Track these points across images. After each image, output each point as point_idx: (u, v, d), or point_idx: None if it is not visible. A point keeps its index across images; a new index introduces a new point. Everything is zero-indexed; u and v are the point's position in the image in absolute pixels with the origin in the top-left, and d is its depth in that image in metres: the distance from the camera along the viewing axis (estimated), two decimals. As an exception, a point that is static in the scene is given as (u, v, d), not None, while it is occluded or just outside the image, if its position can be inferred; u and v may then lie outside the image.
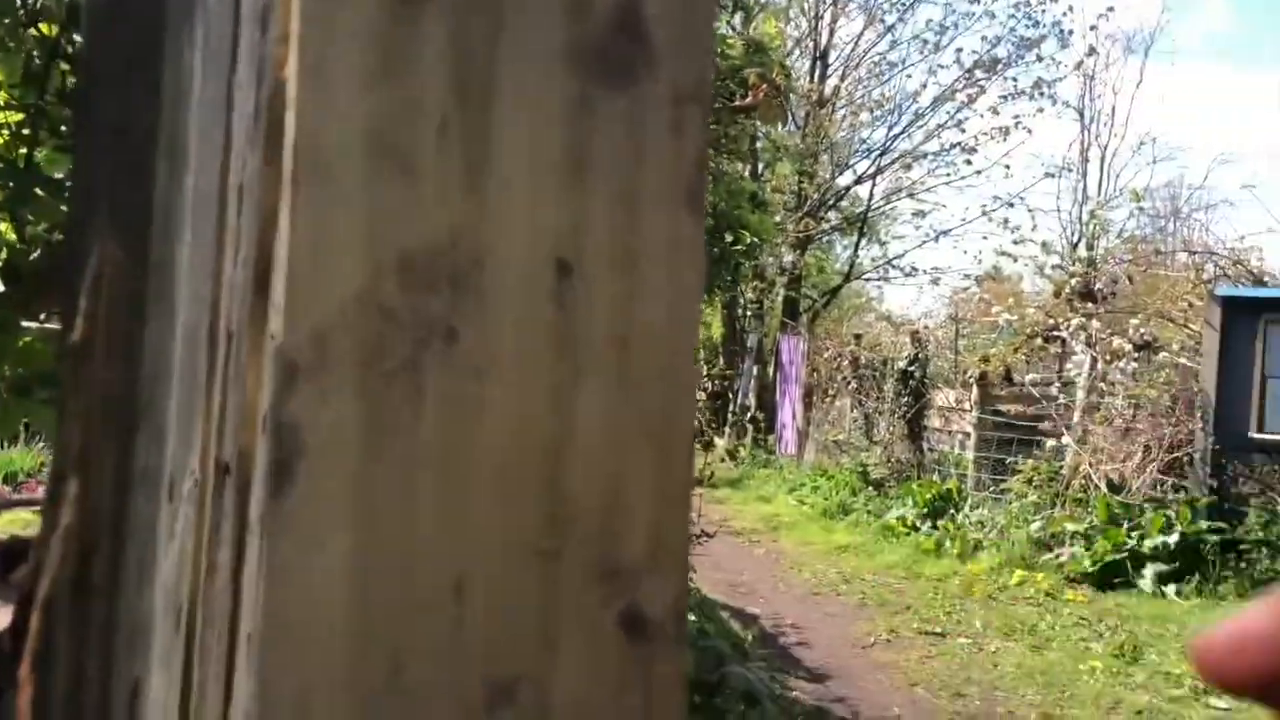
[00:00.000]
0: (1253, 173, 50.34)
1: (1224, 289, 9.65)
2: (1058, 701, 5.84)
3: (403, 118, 0.45)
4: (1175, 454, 9.42)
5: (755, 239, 4.06)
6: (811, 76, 19.93)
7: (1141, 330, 10.73)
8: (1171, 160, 49.95)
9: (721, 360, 21.71)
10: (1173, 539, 8.51)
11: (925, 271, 21.24)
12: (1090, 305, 10.65)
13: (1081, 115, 27.64)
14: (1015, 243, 12.43)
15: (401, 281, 0.43)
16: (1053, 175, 22.60)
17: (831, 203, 20.93)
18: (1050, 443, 10.82)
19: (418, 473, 0.43)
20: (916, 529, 10.53)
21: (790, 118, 18.99)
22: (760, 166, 20.31)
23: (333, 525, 0.41)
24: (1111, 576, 8.51)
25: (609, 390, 0.46)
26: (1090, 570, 8.57)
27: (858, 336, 15.22)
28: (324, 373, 0.41)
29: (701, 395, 22.98)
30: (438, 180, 0.45)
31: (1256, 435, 9.05)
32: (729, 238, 4.13)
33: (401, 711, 0.41)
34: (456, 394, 0.44)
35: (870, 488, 12.31)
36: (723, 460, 18.20)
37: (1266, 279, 10.61)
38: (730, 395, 20.52)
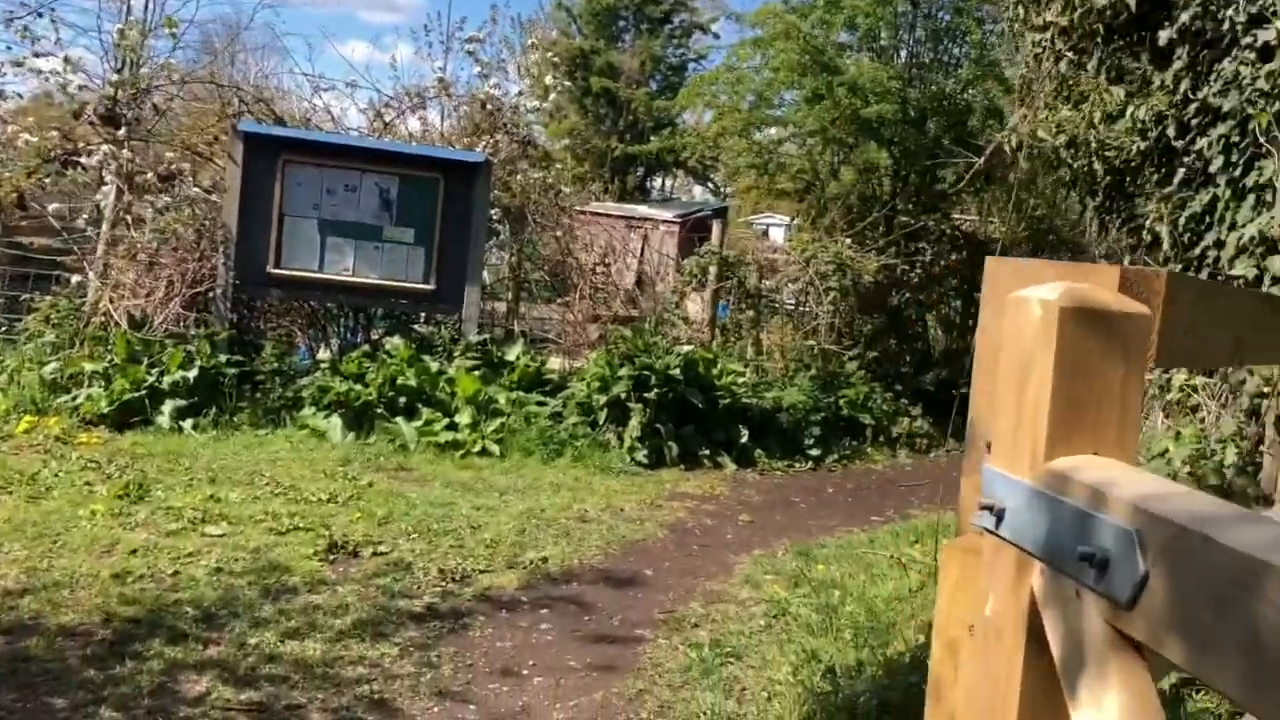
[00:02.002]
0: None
1: (247, 124, 9.73)
2: (48, 552, 5.40)
3: None
4: (199, 289, 9.41)
5: None
6: None
7: (171, 163, 10.42)
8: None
9: None
10: (193, 374, 8.53)
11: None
12: (114, 131, 9.94)
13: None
14: (36, 55, 10.95)
15: None
16: (93, -8, 20.71)
17: None
18: (75, 278, 10.04)
19: None
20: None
21: None
22: None
23: None
24: (130, 416, 8.24)
25: None
26: (107, 411, 8.19)
27: None
28: None
29: None
30: None
31: (275, 271, 9.44)
32: None
33: None
34: None
35: None
36: None
37: (287, 120, 10.95)
38: None
